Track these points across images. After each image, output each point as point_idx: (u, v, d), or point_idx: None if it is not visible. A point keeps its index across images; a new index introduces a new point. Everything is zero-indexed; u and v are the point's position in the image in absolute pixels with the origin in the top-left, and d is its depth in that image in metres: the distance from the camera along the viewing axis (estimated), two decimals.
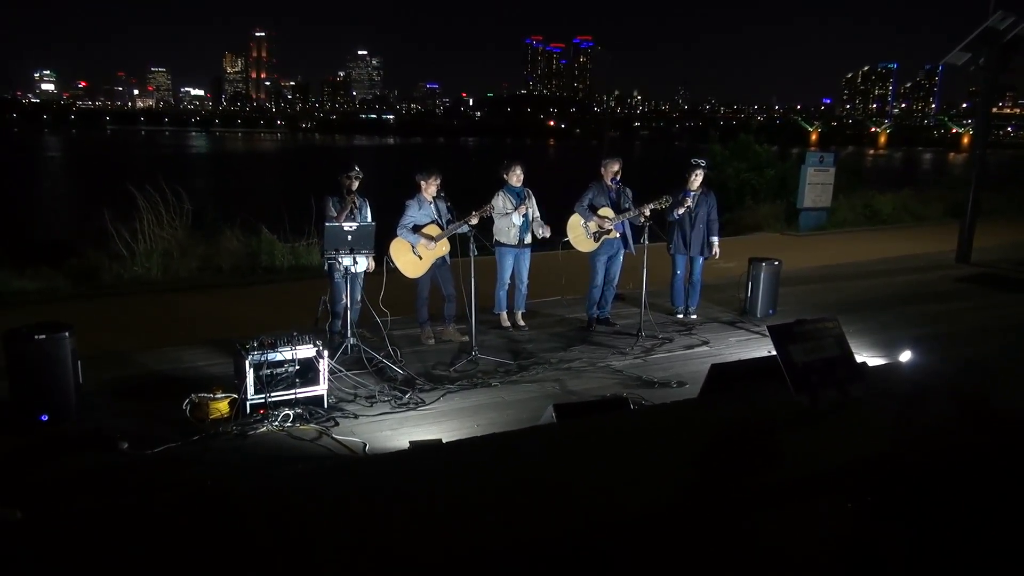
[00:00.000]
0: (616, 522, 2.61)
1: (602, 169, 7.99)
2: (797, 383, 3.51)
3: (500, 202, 7.64)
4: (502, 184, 7.79)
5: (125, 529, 2.52)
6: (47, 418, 5.23)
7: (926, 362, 5.34)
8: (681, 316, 8.46)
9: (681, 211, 8.12)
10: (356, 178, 7.02)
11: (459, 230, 7.14)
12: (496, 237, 7.77)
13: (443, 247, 7.28)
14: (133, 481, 4.51)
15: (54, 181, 43.96)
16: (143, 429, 5.16)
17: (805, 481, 2.91)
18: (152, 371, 6.45)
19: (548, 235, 7.77)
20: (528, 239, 7.79)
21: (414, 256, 7.22)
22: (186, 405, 5.40)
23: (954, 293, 10.20)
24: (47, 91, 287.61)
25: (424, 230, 7.21)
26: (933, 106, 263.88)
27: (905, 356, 5.69)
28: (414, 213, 7.23)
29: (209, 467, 4.71)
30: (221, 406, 5.43)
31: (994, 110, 16.08)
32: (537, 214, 7.82)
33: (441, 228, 7.26)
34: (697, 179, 8.17)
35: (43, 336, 5.21)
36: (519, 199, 7.66)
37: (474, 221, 7.08)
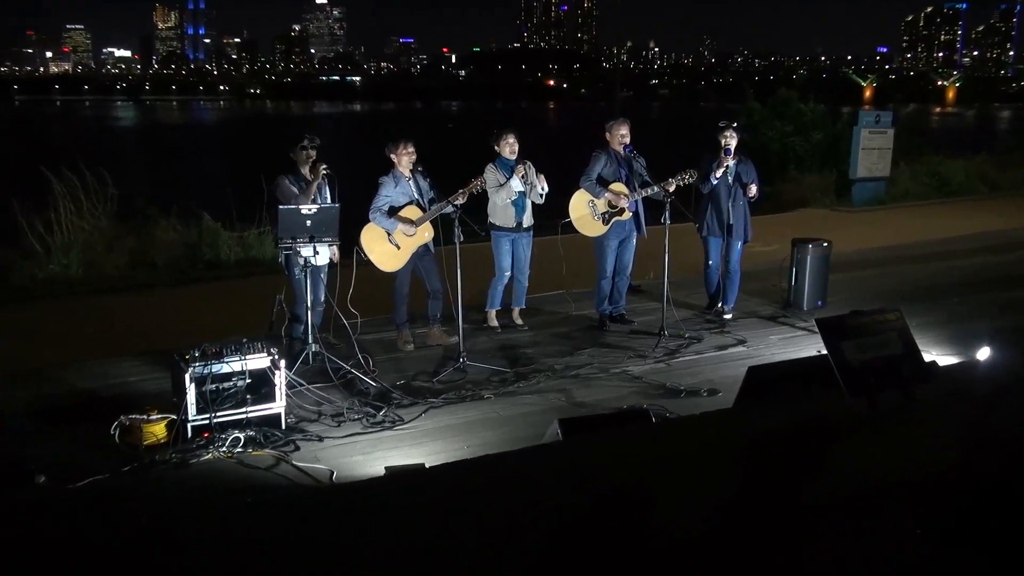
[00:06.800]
0: (642, 557, 2.61)
1: (607, 134, 7.95)
2: (852, 386, 3.51)
3: (492, 176, 7.63)
4: (493, 156, 7.78)
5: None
6: None
7: (1007, 359, 5.34)
8: (723, 309, 8.34)
9: (719, 174, 7.95)
10: (312, 147, 6.98)
11: (444, 211, 7.11)
12: (490, 219, 7.76)
13: (425, 233, 7.26)
14: (53, 521, 4.49)
15: None
16: (64, 459, 5.13)
17: (863, 501, 2.91)
18: (74, 389, 6.42)
19: (545, 190, 7.65)
20: (528, 221, 7.78)
21: (391, 245, 7.20)
22: (115, 429, 5.37)
23: None
24: None
25: (402, 212, 7.19)
26: (1011, 54, 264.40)
27: (982, 353, 5.69)
28: (389, 192, 7.21)
29: (144, 502, 4.69)
30: (157, 430, 5.41)
31: None
32: (537, 180, 7.73)
33: (422, 209, 7.24)
34: (731, 143, 8.02)
35: None
36: (512, 175, 7.64)
37: (461, 200, 7.05)
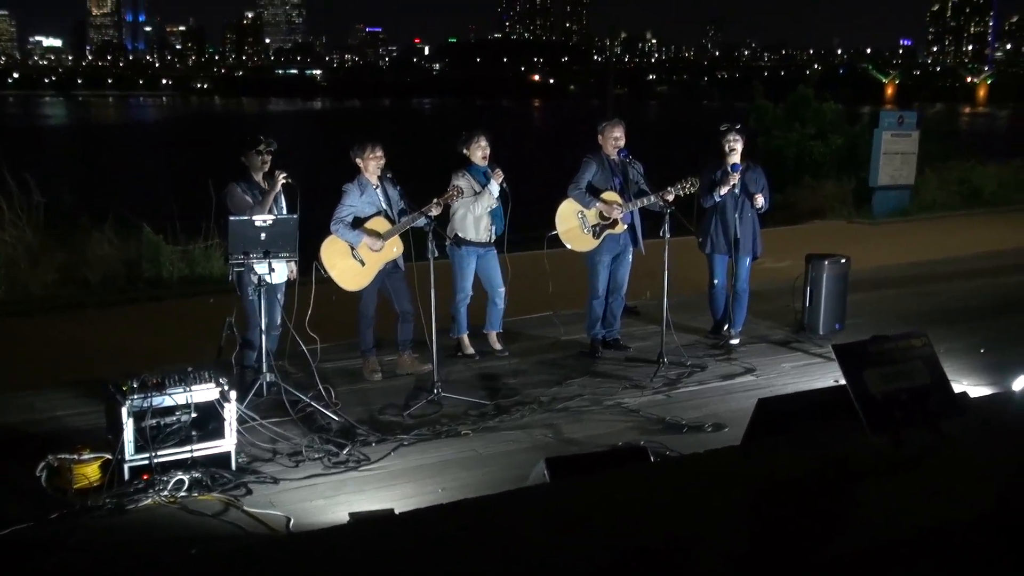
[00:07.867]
0: None
1: (600, 136, 8.00)
2: (874, 421, 3.53)
3: (466, 185, 7.66)
4: (464, 163, 7.81)
5: None
6: None
7: None
8: (729, 334, 8.35)
9: (724, 191, 8.00)
10: (268, 151, 6.98)
11: (416, 223, 7.13)
12: (458, 233, 7.77)
13: (394, 248, 7.27)
14: None
15: None
16: None
17: (887, 551, 2.93)
18: None
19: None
20: (496, 234, 7.83)
21: (354, 261, 7.21)
22: (41, 471, 5.33)
23: None
24: None
25: (368, 224, 7.21)
26: None
27: (1018, 383, 5.74)
28: (354, 201, 7.23)
29: (74, 555, 4.66)
30: (89, 471, 5.37)
31: None
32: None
33: (391, 221, 7.26)
34: (736, 148, 8.06)
35: None
36: (487, 182, 7.67)
37: (435, 211, 7.08)
